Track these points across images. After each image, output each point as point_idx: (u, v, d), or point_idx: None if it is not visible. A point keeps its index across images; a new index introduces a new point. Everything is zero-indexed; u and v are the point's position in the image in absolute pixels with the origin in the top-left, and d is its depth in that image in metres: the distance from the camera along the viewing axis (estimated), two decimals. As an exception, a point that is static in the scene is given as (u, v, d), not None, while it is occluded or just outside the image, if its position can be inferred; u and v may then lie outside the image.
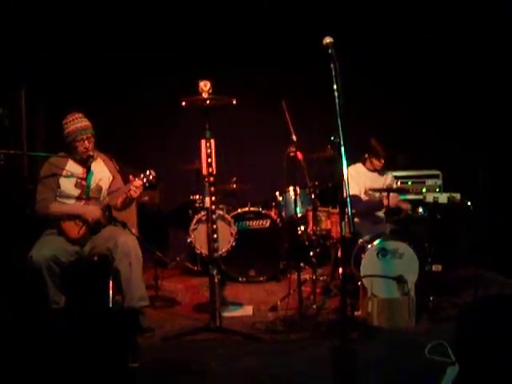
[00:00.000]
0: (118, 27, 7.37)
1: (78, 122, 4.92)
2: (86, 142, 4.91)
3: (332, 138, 3.66)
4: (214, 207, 4.76)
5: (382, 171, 6.15)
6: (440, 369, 3.74)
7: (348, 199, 3.55)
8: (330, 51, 3.72)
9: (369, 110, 7.38)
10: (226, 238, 5.45)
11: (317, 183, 5.90)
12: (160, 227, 7.71)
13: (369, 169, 6.12)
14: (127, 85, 7.48)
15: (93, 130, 4.97)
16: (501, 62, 7.10)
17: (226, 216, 5.62)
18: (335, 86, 3.65)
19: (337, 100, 3.63)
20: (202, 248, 5.39)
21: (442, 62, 7.50)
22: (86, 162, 5.00)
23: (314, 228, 5.72)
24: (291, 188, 6.69)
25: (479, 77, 7.28)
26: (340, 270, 5.47)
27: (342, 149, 3.59)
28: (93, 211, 4.89)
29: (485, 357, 3.31)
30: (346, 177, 3.57)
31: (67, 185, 4.92)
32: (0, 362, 3.41)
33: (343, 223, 3.70)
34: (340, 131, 3.60)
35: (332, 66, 3.68)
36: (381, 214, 5.95)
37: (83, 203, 4.94)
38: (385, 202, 5.66)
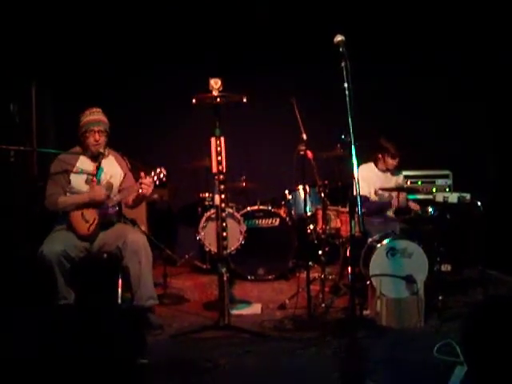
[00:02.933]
0: (131, 24, 7.40)
1: (93, 115, 4.96)
2: (97, 134, 4.93)
3: (342, 137, 3.66)
4: (223, 205, 4.77)
5: (394, 171, 6.15)
6: (448, 368, 3.74)
7: (358, 198, 3.55)
8: (341, 49, 3.72)
9: (378, 109, 7.36)
10: (236, 236, 5.46)
11: (326, 182, 5.89)
12: (169, 225, 7.73)
13: (381, 169, 6.13)
14: (138, 83, 7.52)
15: (107, 127, 5.00)
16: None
17: (236, 214, 5.62)
18: (346, 85, 3.65)
19: (348, 99, 3.63)
20: (211, 246, 5.40)
21: (453, 61, 7.47)
22: (96, 159, 5.01)
23: (324, 227, 5.72)
24: (301, 187, 6.69)
25: (491, 76, 7.26)
26: (349, 268, 5.48)
27: (353, 148, 3.60)
28: (98, 193, 4.87)
29: (493, 357, 3.30)
30: (356, 176, 3.57)
31: (78, 181, 4.94)
32: (8, 357, 3.44)
33: (353, 222, 3.70)
34: (351, 130, 3.59)
35: (343, 64, 3.68)
36: (390, 213, 5.94)
37: (88, 188, 4.94)
38: (394, 201, 5.65)
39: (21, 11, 6.61)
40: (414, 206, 6.18)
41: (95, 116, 4.97)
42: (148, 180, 4.82)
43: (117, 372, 3.51)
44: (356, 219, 3.63)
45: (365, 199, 5.90)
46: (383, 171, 6.14)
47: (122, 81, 7.45)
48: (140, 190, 4.82)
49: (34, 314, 4.52)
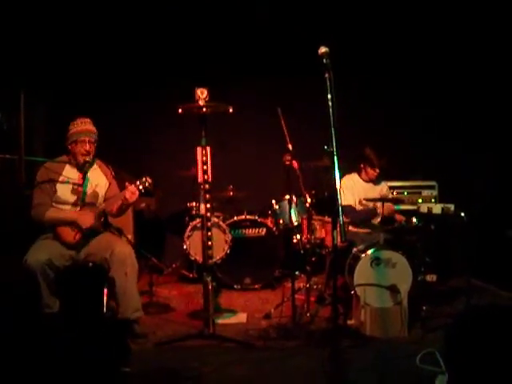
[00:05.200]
0: (118, 33, 7.41)
1: (83, 125, 4.99)
2: (88, 145, 4.95)
3: (325, 148, 3.68)
4: (209, 214, 4.79)
5: (376, 181, 6.19)
6: (431, 377, 3.77)
7: (340, 208, 3.57)
8: (324, 61, 3.75)
9: (364, 120, 7.41)
10: (221, 246, 5.47)
11: (313, 192, 5.92)
12: (157, 234, 7.72)
13: (364, 179, 6.17)
14: (125, 91, 7.52)
15: (96, 137, 5.02)
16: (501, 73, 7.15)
17: (221, 223, 5.64)
18: (329, 96, 3.68)
19: (331, 110, 3.66)
20: (196, 255, 5.41)
21: (439, 72, 7.54)
22: (82, 168, 5.02)
23: (309, 237, 5.74)
24: (287, 196, 6.71)
25: (479, 86, 7.32)
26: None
27: (335, 158, 3.62)
28: (86, 218, 4.88)
29: (474, 366, 3.33)
30: (338, 186, 3.60)
31: (64, 191, 4.94)
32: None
33: (335, 232, 3.72)
34: (333, 141, 3.62)
35: (326, 75, 3.71)
36: (375, 223, 5.98)
37: (78, 209, 4.95)
38: (379, 210, 5.69)
39: (11, 19, 6.63)
40: (399, 217, 6.21)
41: (86, 126, 4.99)
42: (132, 187, 4.84)
43: (100, 380, 3.52)
44: (338, 229, 3.65)
45: (351, 209, 5.94)
46: (366, 181, 6.18)
47: (110, 90, 7.46)
48: (124, 199, 4.84)
49: (19, 322, 4.51)
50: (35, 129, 7.11)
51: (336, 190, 3.59)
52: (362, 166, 6.15)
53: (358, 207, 6.07)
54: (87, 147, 4.95)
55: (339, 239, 3.64)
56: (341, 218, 3.56)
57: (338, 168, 3.61)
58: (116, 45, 7.45)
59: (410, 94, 7.61)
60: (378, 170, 6.07)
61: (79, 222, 4.86)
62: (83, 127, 4.97)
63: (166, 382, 4.07)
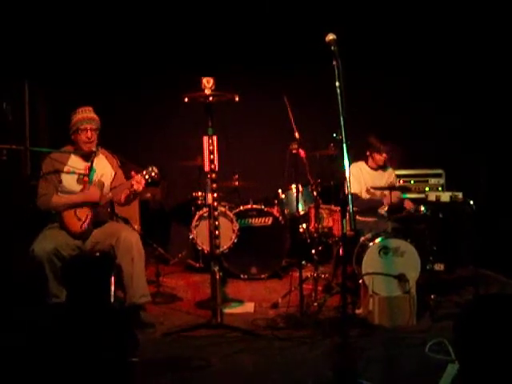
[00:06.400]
0: (122, 23, 7.38)
1: (84, 113, 4.97)
2: (89, 132, 4.94)
3: (334, 136, 3.65)
4: (216, 204, 4.77)
5: (384, 167, 6.16)
6: (440, 366, 3.76)
7: (350, 197, 3.55)
8: (332, 48, 3.71)
9: (371, 108, 7.37)
10: (228, 235, 5.47)
11: (319, 181, 5.90)
12: (162, 224, 7.72)
13: (371, 167, 6.14)
14: (129, 81, 7.50)
15: (99, 125, 5.01)
16: (504, 63, 7.10)
17: (228, 213, 5.62)
18: (338, 84, 3.65)
19: (339, 97, 3.62)
20: (203, 244, 5.40)
21: (446, 61, 7.49)
22: (88, 158, 5.01)
23: (316, 226, 5.72)
24: (293, 186, 6.70)
25: (482, 76, 7.28)
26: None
27: (344, 146, 3.59)
28: (93, 194, 4.88)
29: (485, 355, 3.31)
30: (347, 174, 3.57)
31: (70, 180, 4.93)
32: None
33: (344, 221, 3.70)
34: (342, 129, 3.59)
35: (334, 63, 3.68)
36: (383, 211, 5.95)
37: (81, 189, 4.94)
38: (386, 199, 5.66)
39: (15, 11, 6.61)
40: (408, 205, 6.17)
41: (87, 114, 4.98)
42: (139, 176, 4.82)
43: (108, 370, 3.51)
44: (347, 218, 3.63)
45: (355, 197, 5.91)
46: (374, 169, 6.15)
47: (114, 79, 7.43)
48: (132, 187, 4.82)
49: (26, 313, 4.50)
50: (39, 120, 7.10)
51: (345, 178, 3.56)
52: (368, 153, 6.12)
53: (365, 195, 6.04)
54: (89, 134, 4.94)
55: (348, 228, 3.62)
56: (350, 206, 3.53)
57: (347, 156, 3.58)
58: (120, 34, 7.41)
59: (415, 83, 7.56)
60: (384, 155, 6.03)
61: (87, 198, 4.85)
62: (84, 115, 4.97)
63: (174, 371, 4.06)
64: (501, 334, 3.34)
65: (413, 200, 6.30)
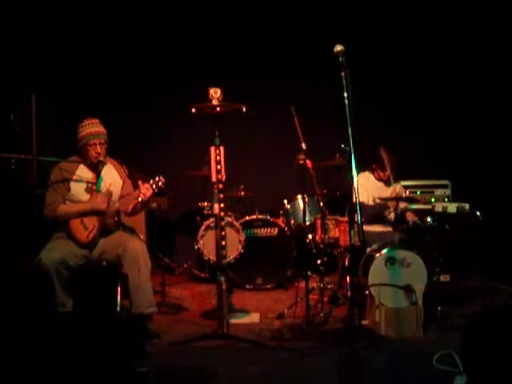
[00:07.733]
0: (129, 34, 7.43)
1: (92, 127, 4.95)
2: (99, 147, 4.93)
3: (342, 146, 3.67)
4: (222, 214, 4.77)
5: (387, 182, 6.14)
6: (448, 378, 3.73)
7: (358, 207, 3.55)
8: (340, 59, 3.73)
9: (379, 119, 7.38)
10: (235, 245, 5.47)
11: (325, 191, 5.90)
12: (168, 234, 7.72)
13: (377, 178, 6.13)
14: (137, 91, 7.54)
15: (106, 137, 5.00)
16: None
17: (235, 223, 5.62)
18: (346, 94, 3.66)
19: (347, 108, 3.64)
20: (210, 254, 5.40)
21: (453, 72, 7.50)
22: (96, 168, 5.01)
23: (323, 236, 5.72)
24: (299, 196, 6.70)
25: (489, 88, 7.29)
26: (348, 278, 5.47)
27: (353, 157, 3.60)
28: (100, 203, 4.87)
29: (492, 367, 3.30)
30: (355, 185, 3.57)
31: (78, 189, 4.94)
32: (7, 363, 3.43)
33: (352, 231, 3.70)
34: (350, 139, 3.60)
35: (343, 74, 3.70)
36: (389, 218, 5.93)
37: (88, 198, 4.94)
38: (391, 204, 5.66)
39: (22, 22, 6.65)
40: (411, 216, 6.16)
41: (95, 128, 4.96)
42: (146, 186, 4.82)
43: (115, 380, 3.51)
44: (355, 228, 3.63)
45: (362, 205, 5.89)
46: (379, 180, 6.14)
47: (121, 90, 7.46)
48: (139, 198, 4.82)
49: (33, 322, 4.50)
50: (46, 130, 7.12)
51: (353, 188, 3.56)
52: (374, 166, 6.11)
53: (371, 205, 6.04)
54: (98, 149, 4.93)
55: (356, 238, 3.63)
56: (359, 217, 3.53)
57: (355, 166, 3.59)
58: (127, 45, 7.46)
59: (420, 95, 7.58)
60: (387, 173, 6.01)
61: (94, 207, 4.85)
62: (92, 129, 4.94)
63: (180, 382, 4.06)
64: (509, 346, 3.33)
65: (419, 211, 6.29)
